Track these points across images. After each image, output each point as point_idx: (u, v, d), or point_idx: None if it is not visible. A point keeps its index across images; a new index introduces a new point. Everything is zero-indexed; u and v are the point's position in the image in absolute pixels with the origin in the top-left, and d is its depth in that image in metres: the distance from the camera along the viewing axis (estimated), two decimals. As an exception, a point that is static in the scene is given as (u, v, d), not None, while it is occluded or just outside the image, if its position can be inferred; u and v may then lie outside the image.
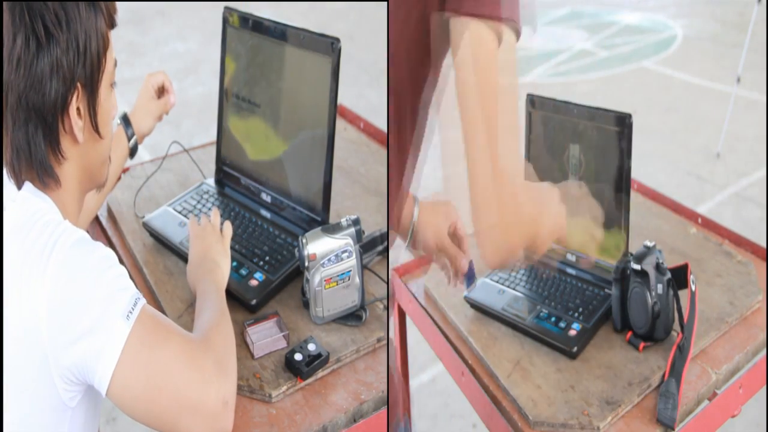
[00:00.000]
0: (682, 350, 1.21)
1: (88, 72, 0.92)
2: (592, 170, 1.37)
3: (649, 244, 1.26)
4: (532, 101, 1.46)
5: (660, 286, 1.23)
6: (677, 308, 1.25)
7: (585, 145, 1.38)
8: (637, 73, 5.68)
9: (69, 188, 0.97)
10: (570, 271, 1.42)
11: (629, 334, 1.28)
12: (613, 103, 2.22)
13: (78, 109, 0.93)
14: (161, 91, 1.50)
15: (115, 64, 1.00)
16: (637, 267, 1.24)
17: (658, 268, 1.24)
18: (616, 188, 1.34)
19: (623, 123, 1.31)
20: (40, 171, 0.93)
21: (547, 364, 1.25)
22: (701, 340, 1.27)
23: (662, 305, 1.23)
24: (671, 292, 1.24)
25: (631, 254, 1.28)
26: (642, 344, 1.26)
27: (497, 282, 1.42)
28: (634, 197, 1.70)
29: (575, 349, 1.25)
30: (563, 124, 1.40)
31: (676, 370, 1.19)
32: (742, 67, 4.10)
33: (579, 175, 1.40)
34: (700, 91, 5.22)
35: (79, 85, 0.91)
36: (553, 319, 1.31)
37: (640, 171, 1.50)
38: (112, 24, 0.96)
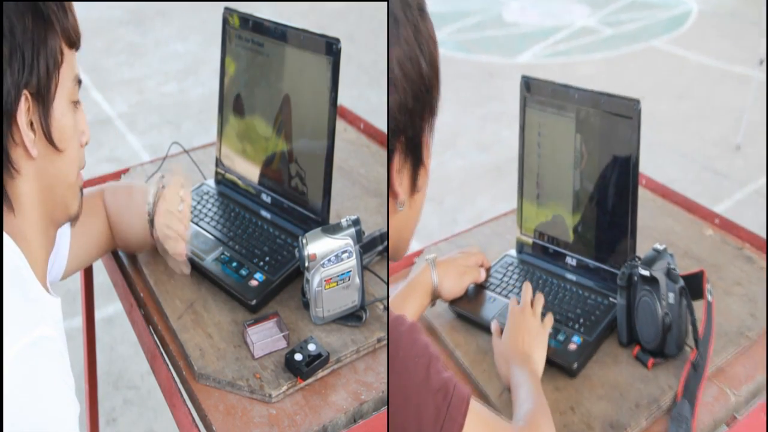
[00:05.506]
0: (697, 368, 1.10)
1: (34, 82, 0.90)
2: (594, 163, 1.26)
3: (660, 247, 1.15)
4: (528, 84, 1.33)
5: (671, 295, 1.12)
6: (691, 320, 1.14)
7: (587, 135, 1.26)
8: (646, 53, 5.31)
9: (27, 214, 0.94)
10: (570, 276, 1.31)
11: (636, 349, 1.18)
12: (619, 87, 2.15)
13: (31, 122, 0.91)
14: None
15: (80, 84, 0.98)
16: (645, 273, 1.13)
17: (670, 274, 1.13)
18: (622, 184, 1.23)
19: (630, 110, 1.19)
20: None
21: (543, 383, 1.12)
22: (718, 357, 1.17)
23: (674, 317, 1.12)
24: (684, 302, 1.13)
25: (639, 258, 1.18)
26: (651, 361, 1.16)
27: (487, 289, 1.32)
28: (643, 194, 1.58)
29: (575, 365, 1.15)
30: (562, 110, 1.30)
31: (689, 391, 1.09)
32: (766, 47, 3.74)
33: (580, 168, 1.29)
34: (717, 74, 4.89)
35: (28, 94, 0.89)
36: (550, 331, 1.19)
37: (649, 164, 1.40)
38: (71, 44, 0.95)
